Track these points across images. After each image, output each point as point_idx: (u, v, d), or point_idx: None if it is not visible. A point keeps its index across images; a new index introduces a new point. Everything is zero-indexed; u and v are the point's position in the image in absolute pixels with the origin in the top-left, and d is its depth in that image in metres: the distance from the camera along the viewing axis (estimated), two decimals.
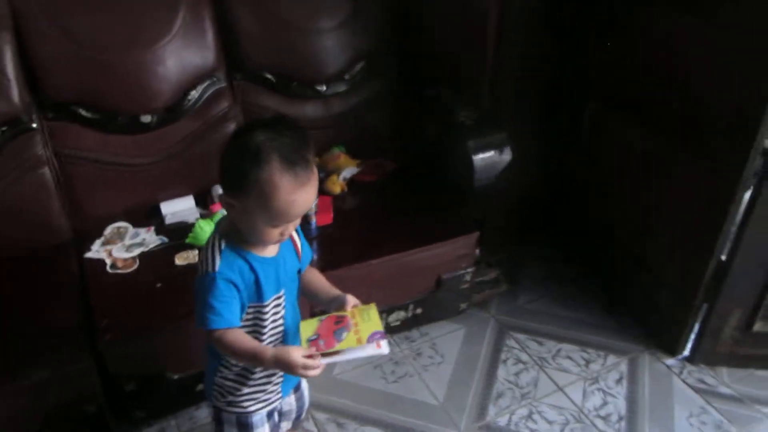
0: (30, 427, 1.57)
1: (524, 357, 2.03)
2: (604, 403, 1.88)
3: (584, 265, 2.37)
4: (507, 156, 1.98)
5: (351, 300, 1.30)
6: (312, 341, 1.21)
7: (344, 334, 1.22)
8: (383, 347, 1.21)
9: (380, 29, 2.31)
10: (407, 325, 2.04)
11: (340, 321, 1.25)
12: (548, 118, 2.29)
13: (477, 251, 2.05)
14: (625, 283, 2.21)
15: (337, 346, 1.20)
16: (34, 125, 1.86)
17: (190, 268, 1.79)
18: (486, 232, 2.05)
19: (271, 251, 1.22)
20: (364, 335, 1.22)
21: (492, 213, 2.13)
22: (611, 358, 2.03)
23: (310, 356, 1.17)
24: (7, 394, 1.52)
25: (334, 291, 1.35)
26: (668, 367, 2.00)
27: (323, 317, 1.27)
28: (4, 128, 1.82)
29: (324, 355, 1.19)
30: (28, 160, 1.86)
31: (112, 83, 1.92)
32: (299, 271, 1.33)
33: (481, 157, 1.95)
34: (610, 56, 2.08)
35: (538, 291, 2.30)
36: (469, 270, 2.04)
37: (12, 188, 1.84)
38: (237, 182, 1.10)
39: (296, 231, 1.27)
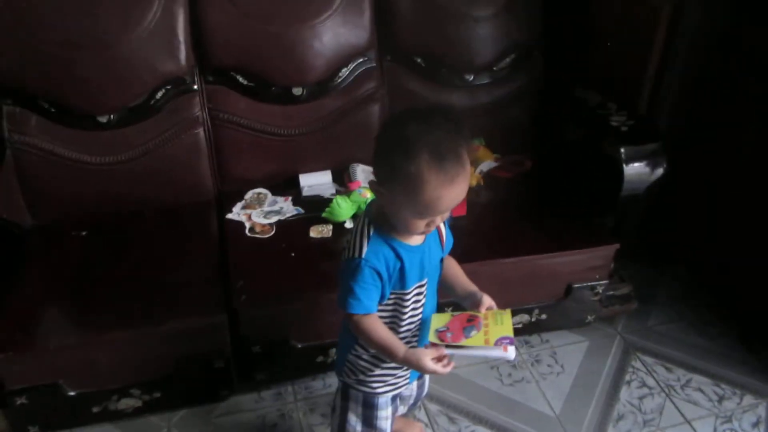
0: (160, 370, 1.66)
1: (650, 381, 1.92)
2: None
3: (723, 292, 2.21)
4: (660, 169, 1.87)
5: (487, 301, 1.28)
6: (440, 332, 1.21)
7: (473, 332, 1.22)
8: (510, 351, 1.18)
9: (534, 23, 2.23)
10: (529, 329, 1.98)
11: (472, 320, 1.25)
12: (704, 134, 2.14)
13: (612, 264, 1.95)
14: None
15: (464, 342, 1.19)
16: (195, 87, 1.95)
17: (323, 241, 1.82)
18: (624, 245, 1.95)
19: (417, 240, 1.21)
20: (492, 337, 1.20)
21: (633, 226, 2.02)
22: (748, 398, 1.87)
23: (439, 359, 1.17)
24: (146, 338, 1.61)
25: (472, 287, 1.33)
26: None
27: (456, 313, 1.27)
28: (168, 86, 1.91)
29: (448, 347, 1.19)
30: (186, 120, 1.95)
31: (270, 54, 1.96)
32: (441, 260, 1.31)
33: (632, 167, 1.85)
34: None
35: (671, 314, 2.16)
36: (602, 282, 1.95)
37: (168, 144, 1.94)
38: (387, 172, 1.10)
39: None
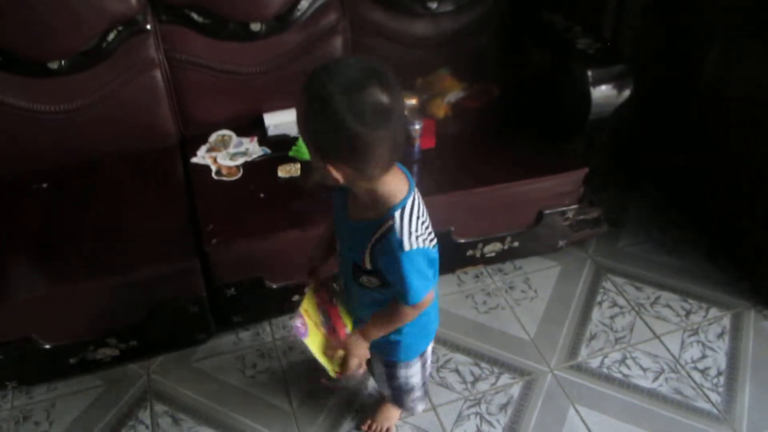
0: (135, 318, 1.65)
1: (621, 301, 1.97)
2: (703, 356, 1.81)
3: (690, 211, 2.24)
4: (627, 91, 1.86)
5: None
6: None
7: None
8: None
9: None
10: (502, 257, 2.00)
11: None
12: (669, 52, 2.13)
13: (582, 188, 1.96)
14: (735, 233, 2.08)
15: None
16: (148, 27, 1.87)
17: (292, 180, 1.79)
18: (593, 169, 1.95)
19: None
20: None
21: (601, 149, 2.02)
22: (714, 311, 1.94)
23: None
24: (117, 286, 1.59)
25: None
26: None
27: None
28: (120, 28, 1.83)
29: None
30: (141, 62, 1.87)
31: None
32: None
33: (599, 90, 1.83)
34: None
35: (640, 235, 2.20)
36: (572, 207, 1.96)
37: (124, 89, 1.87)
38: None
39: None
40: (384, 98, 1.00)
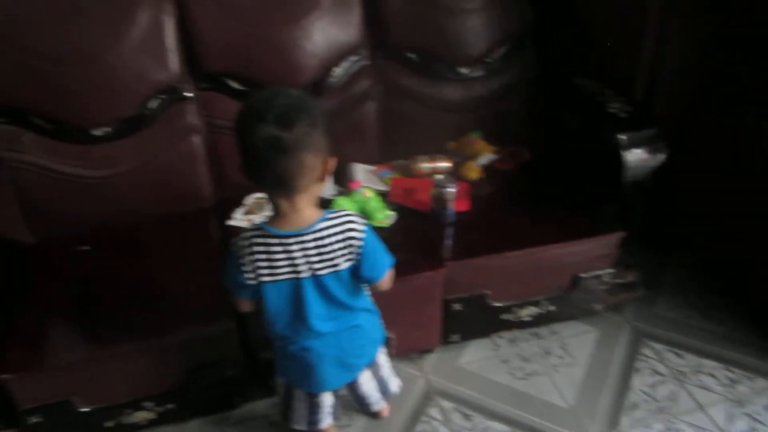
0: (171, 382, 1.65)
1: (662, 369, 1.91)
2: (752, 430, 1.74)
3: (729, 276, 2.20)
4: (661, 154, 1.85)
5: None
6: None
7: None
8: None
9: (524, 12, 2.21)
10: (538, 321, 1.98)
11: None
12: (704, 115, 2.13)
13: (617, 252, 1.94)
14: None
15: None
16: (189, 94, 1.93)
17: None
18: (628, 233, 1.94)
19: None
20: None
21: (636, 212, 2.00)
22: (761, 382, 1.87)
23: None
24: (152, 350, 1.60)
25: None
26: None
27: None
28: (162, 96, 1.89)
29: None
30: (181, 128, 1.93)
31: (261, 56, 1.94)
32: None
33: (632, 153, 1.84)
34: None
35: (679, 299, 2.16)
36: (608, 271, 1.94)
37: (164, 154, 1.92)
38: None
39: None
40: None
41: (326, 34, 1.99)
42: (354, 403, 1.67)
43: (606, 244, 1.90)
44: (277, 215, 1.26)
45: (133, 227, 1.91)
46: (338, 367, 1.41)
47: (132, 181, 1.90)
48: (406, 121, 2.17)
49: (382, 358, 1.58)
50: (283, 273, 1.27)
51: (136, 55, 1.82)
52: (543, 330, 2.04)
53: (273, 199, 1.25)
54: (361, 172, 2.05)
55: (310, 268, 1.27)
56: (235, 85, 1.96)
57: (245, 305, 1.39)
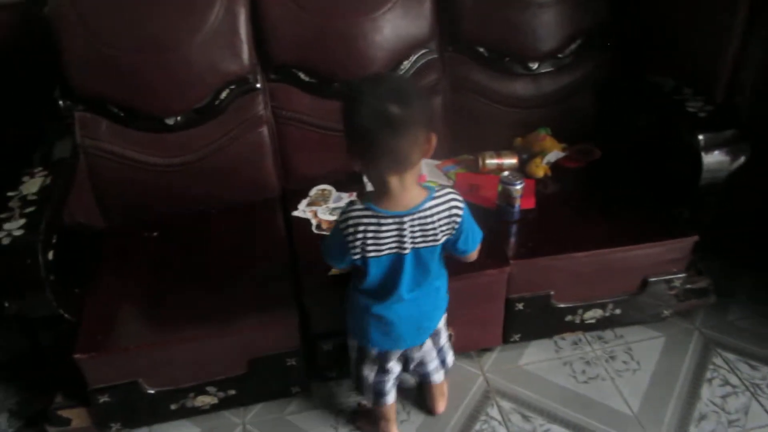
0: (234, 368, 1.68)
1: (733, 380, 1.84)
2: None
3: None
4: (742, 156, 1.77)
5: None
6: None
7: None
8: None
9: (600, 6, 2.14)
10: (602, 324, 1.92)
11: None
12: None
13: (690, 256, 1.87)
14: None
15: None
16: (258, 86, 1.95)
17: None
18: (702, 236, 1.86)
19: None
20: None
21: (711, 215, 1.92)
22: None
23: None
24: (216, 336, 1.63)
25: None
26: None
27: None
28: (232, 86, 1.92)
29: None
30: (250, 119, 1.95)
31: (331, 48, 1.94)
32: None
33: (711, 155, 1.76)
34: None
35: (752, 308, 2.06)
36: (680, 276, 1.87)
37: (233, 144, 1.95)
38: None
39: None
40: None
41: (396, 27, 1.97)
42: (413, 376, 1.69)
43: (678, 247, 1.83)
44: (385, 194, 1.30)
45: (200, 214, 1.96)
46: (413, 328, 1.48)
47: (201, 169, 1.94)
48: (472, 116, 2.14)
49: (443, 324, 1.60)
50: (388, 248, 1.33)
51: (210, 46, 1.85)
52: (607, 333, 1.99)
53: (382, 178, 1.28)
54: (425, 166, 2.03)
55: (413, 243, 1.33)
56: (303, 76, 1.97)
57: (341, 272, 1.50)
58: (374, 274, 1.37)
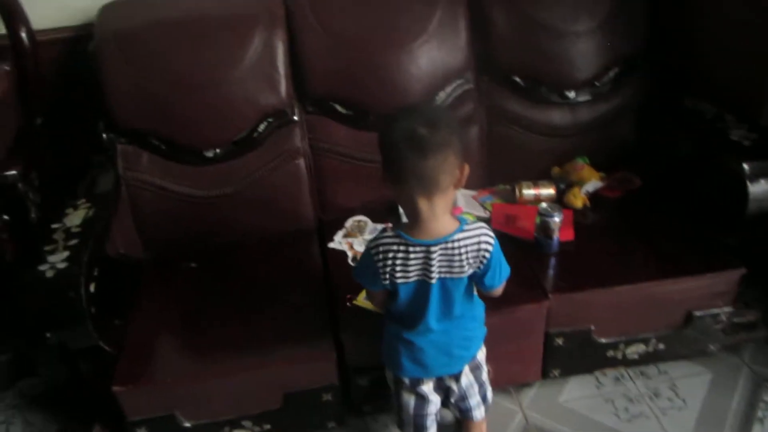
0: (269, 403, 1.67)
1: None
2: None
3: None
4: None
5: None
6: None
7: None
8: None
9: (638, 34, 2.12)
10: (645, 359, 1.86)
11: None
12: None
13: (737, 289, 1.81)
14: None
15: None
16: (296, 118, 1.97)
17: None
18: (750, 268, 1.80)
19: None
20: None
21: (760, 245, 1.86)
22: None
23: None
24: (252, 369, 1.62)
25: None
26: None
27: None
28: (270, 119, 1.94)
29: None
30: (287, 151, 1.97)
31: (367, 80, 1.96)
32: None
33: (758, 185, 1.71)
34: None
35: None
36: (726, 310, 1.81)
37: (270, 175, 1.97)
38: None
39: None
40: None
41: (432, 59, 1.98)
42: (453, 411, 1.64)
43: (725, 280, 1.77)
44: (415, 222, 1.31)
45: (237, 245, 1.97)
46: (443, 355, 1.46)
47: (239, 200, 1.96)
48: (509, 146, 2.12)
49: (483, 358, 1.57)
50: (415, 275, 1.35)
51: (249, 81, 1.88)
52: (651, 369, 1.93)
53: (413, 201, 1.29)
54: (462, 197, 2.02)
55: (440, 273, 1.34)
56: (340, 108, 1.99)
57: (379, 296, 1.47)
58: (403, 299, 1.39)
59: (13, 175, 1.72)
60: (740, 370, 1.91)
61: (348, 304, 1.68)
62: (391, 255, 1.33)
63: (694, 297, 1.78)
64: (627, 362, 1.85)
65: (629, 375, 1.92)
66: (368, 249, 1.38)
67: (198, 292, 1.83)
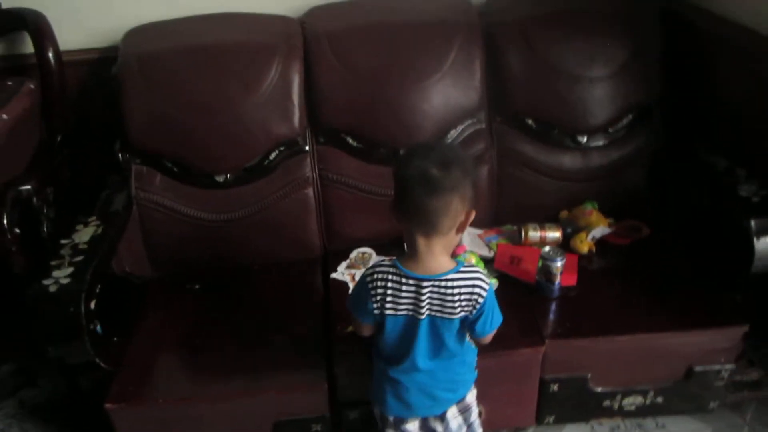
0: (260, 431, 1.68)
1: None
2: None
3: None
4: None
5: None
6: None
7: None
8: None
9: (653, 82, 2.12)
10: (642, 412, 1.84)
11: None
12: None
13: (741, 346, 1.78)
14: None
15: None
16: (307, 148, 2.00)
17: None
18: (754, 325, 1.77)
19: None
20: None
21: (765, 305, 1.83)
22: None
23: None
24: (245, 398, 1.63)
25: None
26: None
27: None
28: (282, 148, 1.98)
29: None
30: (297, 179, 2.00)
31: (380, 115, 1.99)
32: None
33: (764, 241, 1.69)
34: None
35: None
36: (728, 367, 1.78)
37: (279, 203, 2.00)
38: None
39: None
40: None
41: (446, 97, 2.00)
42: None
43: (728, 336, 1.74)
44: (412, 256, 1.34)
45: (242, 270, 2.00)
46: (427, 397, 1.46)
47: (246, 226, 1.99)
48: (518, 187, 2.13)
49: (473, 400, 1.56)
50: (404, 309, 1.36)
51: (264, 110, 1.92)
52: (648, 422, 1.90)
53: (412, 237, 1.32)
54: (467, 235, 2.02)
55: (430, 311, 1.35)
56: (351, 141, 2.02)
57: (366, 329, 1.48)
58: (390, 333, 1.40)
59: (29, 189, 1.77)
60: (741, 430, 1.87)
61: (343, 331, 1.69)
62: (384, 284, 1.35)
63: (696, 351, 1.76)
64: (623, 413, 1.83)
65: (626, 426, 1.89)
66: (364, 275, 1.40)
67: (199, 314, 1.85)
